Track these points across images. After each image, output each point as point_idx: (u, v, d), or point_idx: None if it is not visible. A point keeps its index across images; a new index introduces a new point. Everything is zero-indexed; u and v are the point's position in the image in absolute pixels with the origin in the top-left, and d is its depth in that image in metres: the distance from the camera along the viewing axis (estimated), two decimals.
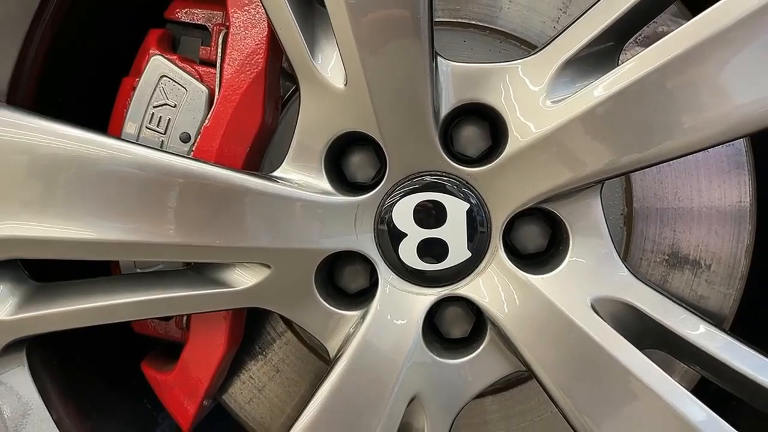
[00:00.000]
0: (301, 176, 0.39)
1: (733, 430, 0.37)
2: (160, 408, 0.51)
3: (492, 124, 0.39)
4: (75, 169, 0.37)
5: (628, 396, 0.37)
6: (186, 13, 0.45)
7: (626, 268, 0.38)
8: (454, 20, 0.47)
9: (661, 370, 0.37)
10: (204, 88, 0.43)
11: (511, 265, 0.39)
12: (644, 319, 0.37)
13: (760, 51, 0.32)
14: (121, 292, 0.40)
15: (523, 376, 0.47)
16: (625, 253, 0.46)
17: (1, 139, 0.37)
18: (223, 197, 0.38)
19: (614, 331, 0.37)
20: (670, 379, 0.37)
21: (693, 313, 0.37)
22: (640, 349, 0.37)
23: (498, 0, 0.46)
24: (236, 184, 0.38)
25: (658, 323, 0.37)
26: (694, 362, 0.39)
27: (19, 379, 0.41)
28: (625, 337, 0.37)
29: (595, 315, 0.37)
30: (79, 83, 0.47)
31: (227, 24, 0.44)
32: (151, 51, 0.44)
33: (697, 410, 0.37)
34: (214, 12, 0.45)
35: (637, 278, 0.38)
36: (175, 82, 0.43)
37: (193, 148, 0.43)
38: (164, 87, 0.44)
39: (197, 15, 0.45)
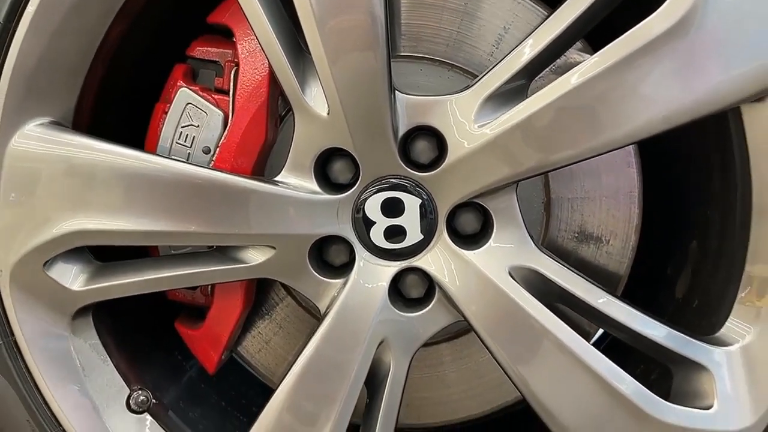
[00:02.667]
0: (296, 180, 0.52)
1: (619, 369, 0.51)
2: (188, 358, 0.65)
3: (437, 140, 0.52)
4: (129, 179, 0.50)
5: (536, 340, 0.51)
6: (203, 51, 0.58)
7: (534, 244, 0.52)
8: (413, 54, 0.60)
9: (560, 321, 0.51)
10: (220, 112, 0.56)
11: (452, 244, 0.52)
12: (547, 282, 0.51)
13: (631, 86, 0.46)
14: (163, 269, 0.54)
15: (468, 328, 0.61)
16: (545, 232, 0.60)
17: (75, 158, 0.50)
18: (239, 197, 0.51)
19: (525, 292, 0.50)
20: (569, 328, 0.51)
21: (582, 276, 0.51)
22: (546, 304, 0.51)
23: (446, 38, 0.59)
24: (248, 188, 0.51)
25: (556, 284, 0.51)
26: (585, 313, 0.53)
27: (88, 335, 0.55)
28: (534, 296, 0.51)
29: (512, 279, 0.51)
30: (122, 107, 0.59)
31: (237, 61, 0.57)
32: (178, 83, 0.56)
33: (591, 352, 0.51)
34: (226, 51, 0.57)
35: (542, 252, 0.51)
36: (198, 108, 0.56)
37: (214, 159, 0.56)
38: (189, 112, 0.56)
39: (212, 53, 0.58)
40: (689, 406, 0.49)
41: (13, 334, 0.52)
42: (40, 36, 0.48)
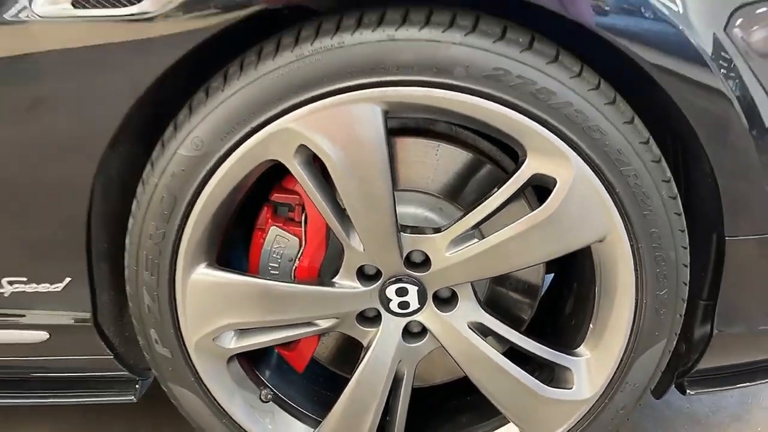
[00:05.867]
0: (346, 282, 0.91)
1: (523, 371, 0.94)
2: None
3: (426, 256, 0.89)
4: (253, 293, 0.89)
5: (480, 359, 0.93)
6: (281, 197, 0.93)
7: (481, 308, 0.92)
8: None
9: (493, 348, 0.93)
10: (297, 238, 0.93)
11: (435, 309, 0.92)
12: (486, 328, 0.92)
13: (538, 238, 0.84)
14: (277, 333, 0.94)
15: None
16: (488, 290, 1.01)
17: (223, 284, 0.88)
18: (319, 295, 0.90)
19: (475, 334, 0.92)
20: (497, 352, 0.93)
21: (504, 323, 0.92)
22: (485, 339, 0.93)
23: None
24: (323, 290, 0.90)
25: (490, 329, 0.92)
26: (504, 342, 0.94)
27: (234, 365, 0.97)
28: (479, 336, 0.93)
29: (468, 328, 0.92)
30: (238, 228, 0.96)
31: (303, 204, 0.93)
32: (269, 222, 0.93)
33: (509, 364, 0.93)
34: (295, 197, 0.93)
35: (485, 311, 0.92)
36: (283, 237, 0.93)
37: (296, 267, 0.94)
38: (278, 238, 0.94)
39: (286, 199, 0.93)
40: (561, 388, 0.94)
41: (198, 373, 0.94)
42: (203, 217, 0.85)
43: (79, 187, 0.82)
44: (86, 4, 0.70)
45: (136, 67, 0.74)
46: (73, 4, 0.70)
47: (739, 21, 0.73)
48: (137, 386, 1.03)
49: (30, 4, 0.70)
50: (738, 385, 1.01)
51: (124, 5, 0.70)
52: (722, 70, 0.74)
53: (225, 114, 0.77)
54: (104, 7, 0.70)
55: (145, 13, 0.70)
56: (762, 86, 0.75)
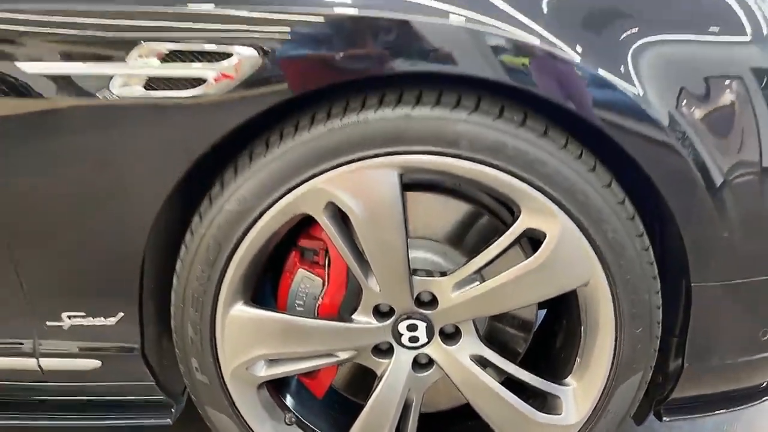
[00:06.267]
0: (363, 318, 1.04)
1: (519, 398, 1.07)
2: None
3: (434, 297, 1.03)
4: (281, 328, 1.02)
5: (480, 387, 1.05)
6: (307, 243, 1.07)
7: (481, 342, 1.05)
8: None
9: (492, 378, 1.05)
10: (320, 280, 1.06)
11: (441, 343, 1.05)
12: (486, 360, 1.05)
13: (530, 283, 0.98)
14: (301, 363, 1.07)
15: None
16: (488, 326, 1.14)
17: (257, 320, 1.01)
18: (335, 330, 1.03)
19: (476, 366, 1.05)
20: (496, 381, 1.06)
21: (500, 355, 1.05)
22: (485, 370, 1.06)
23: None
24: (339, 324, 1.03)
25: (489, 361, 1.05)
26: (501, 373, 1.07)
27: (263, 392, 1.09)
28: (480, 366, 1.05)
29: (470, 360, 1.05)
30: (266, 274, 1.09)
31: (326, 249, 1.06)
32: (296, 265, 1.06)
33: (505, 392, 1.06)
34: (319, 242, 1.06)
35: (485, 345, 1.05)
36: (309, 278, 1.06)
37: (319, 304, 1.07)
38: (304, 279, 1.07)
39: (312, 244, 1.07)
40: (551, 414, 1.06)
41: (233, 398, 1.06)
42: (243, 262, 0.98)
43: (137, 234, 0.95)
44: (155, 87, 0.85)
45: (194, 137, 0.88)
46: (144, 87, 0.85)
47: (684, 101, 0.88)
48: (173, 410, 1.15)
49: (109, 86, 0.85)
50: (709, 413, 1.13)
51: (187, 88, 0.84)
52: (678, 140, 0.89)
53: (267, 176, 0.91)
54: (170, 89, 0.84)
55: (204, 95, 0.85)
56: (708, 151, 0.90)
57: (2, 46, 0.85)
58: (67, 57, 0.84)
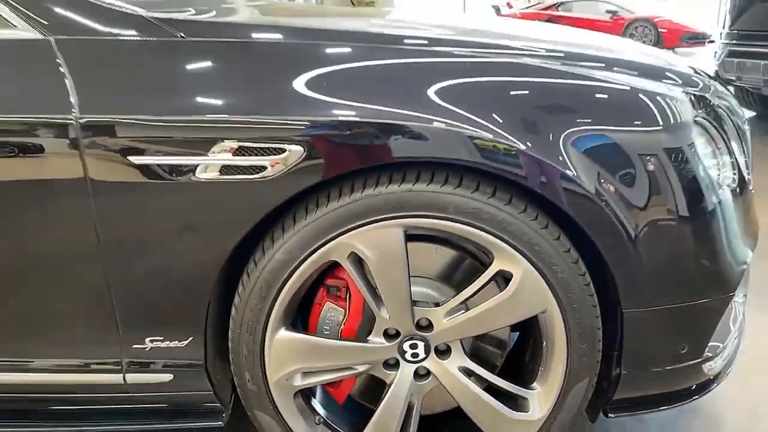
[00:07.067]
0: (376, 339, 1.35)
1: (496, 400, 1.38)
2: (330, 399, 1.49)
3: (430, 322, 1.34)
4: (309, 348, 1.33)
5: (466, 392, 1.37)
6: (332, 281, 1.38)
7: (467, 357, 1.36)
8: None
9: (475, 384, 1.37)
10: (342, 310, 1.38)
11: (436, 358, 1.37)
12: (470, 371, 1.36)
13: (508, 304, 1.30)
14: (327, 374, 1.37)
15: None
16: (472, 344, 1.46)
17: (296, 342, 1.31)
18: (355, 349, 1.35)
19: (463, 375, 1.36)
20: (477, 387, 1.37)
21: (482, 367, 1.36)
22: (469, 378, 1.37)
23: None
24: (357, 344, 1.34)
25: (473, 371, 1.36)
26: (481, 381, 1.39)
27: (299, 399, 1.39)
28: (465, 376, 1.36)
29: (458, 371, 1.36)
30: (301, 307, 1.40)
31: (348, 287, 1.37)
32: (324, 298, 1.37)
33: (486, 396, 1.38)
34: (342, 281, 1.38)
35: (470, 359, 1.36)
36: (333, 308, 1.37)
37: (341, 329, 1.37)
38: (330, 309, 1.38)
39: (336, 282, 1.38)
40: (522, 411, 1.38)
41: (276, 403, 1.36)
42: (287, 297, 1.29)
43: (208, 276, 1.27)
44: (229, 173, 1.17)
45: (255, 206, 1.21)
46: (220, 172, 1.17)
47: (607, 176, 1.22)
48: (224, 414, 1.45)
49: (195, 172, 1.17)
50: (646, 411, 1.45)
51: (254, 173, 1.17)
52: (603, 204, 1.21)
53: (307, 233, 1.24)
54: (241, 174, 1.17)
55: (267, 176, 1.17)
56: (627, 211, 1.22)
57: (125, 144, 1.18)
58: (166, 153, 1.17)
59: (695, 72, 1.54)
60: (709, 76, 1.62)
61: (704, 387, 1.49)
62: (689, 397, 1.48)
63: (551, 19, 13.68)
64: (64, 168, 1.19)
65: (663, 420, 1.77)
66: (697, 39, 12.51)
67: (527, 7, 14.90)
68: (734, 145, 1.50)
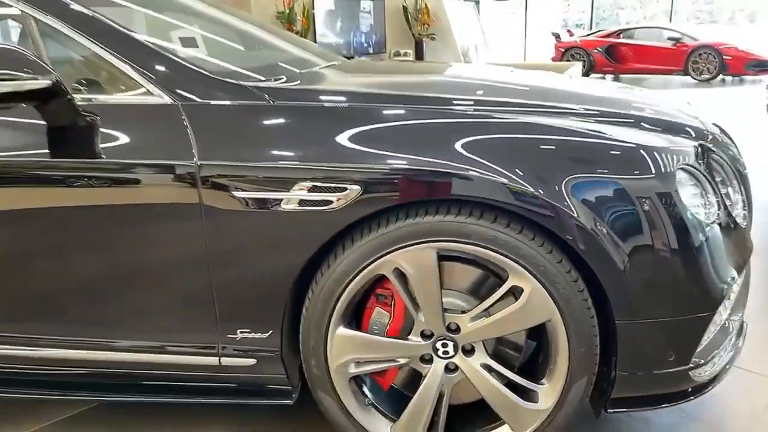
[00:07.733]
0: (414, 338, 1.70)
1: (512, 393, 1.68)
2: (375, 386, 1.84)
3: (458, 326, 1.67)
4: (362, 343, 1.68)
5: (488, 384, 1.68)
6: (381, 291, 1.73)
7: (488, 356, 1.68)
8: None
9: (494, 379, 1.68)
10: (388, 314, 1.73)
11: (462, 355, 1.70)
12: (491, 367, 1.68)
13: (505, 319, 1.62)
14: (375, 364, 1.72)
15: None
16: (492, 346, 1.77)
17: (351, 339, 1.67)
18: (398, 345, 1.69)
19: (484, 371, 1.68)
20: (495, 380, 1.68)
21: (499, 364, 1.67)
22: (489, 372, 1.68)
23: None
24: (400, 342, 1.69)
25: (493, 368, 1.68)
26: (501, 378, 1.69)
27: (353, 384, 1.75)
28: (486, 371, 1.68)
29: (481, 367, 1.68)
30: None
31: (393, 295, 1.72)
32: (375, 304, 1.73)
33: (504, 389, 1.69)
34: (388, 291, 1.73)
35: (491, 357, 1.68)
36: (381, 312, 1.72)
37: (387, 329, 1.72)
38: (378, 313, 1.73)
39: (383, 292, 1.73)
40: (533, 402, 1.68)
41: (335, 386, 1.71)
42: (345, 302, 1.65)
43: (287, 282, 1.65)
44: (305, 205, 1.56)
45: (323, 230, 1.58)
46: (298, 204, 1.56)
47: (602, 215, 1.52)
48: (293, 395, 1.81)
49: (280, 204, 1.56)
50: (642, 409, 1.72)
51: (324, 206, 1.55)
52: (599, 237, 1.52)
53: (361, 252, 1.60)
54: (314, 206, 1.55)
55: (333, 208, 1.55)
56: (620, 242, 1.52)
57: (229, 182, 1.58)
58: (260, 189, 1.57)
59: (698, 123, 1.85)
60: (711, 127, 1.91)
61: (698, 390, 1.75)
62: (683, 399, 1.74)
63: (612, 47, 13.76)
64: (185, 196, 1.61)
65: (667, 425, 2.01)
66: (764, 66, 12.27)
67: (588, 35, 14.97)
68: (735, 184, 1.79)
